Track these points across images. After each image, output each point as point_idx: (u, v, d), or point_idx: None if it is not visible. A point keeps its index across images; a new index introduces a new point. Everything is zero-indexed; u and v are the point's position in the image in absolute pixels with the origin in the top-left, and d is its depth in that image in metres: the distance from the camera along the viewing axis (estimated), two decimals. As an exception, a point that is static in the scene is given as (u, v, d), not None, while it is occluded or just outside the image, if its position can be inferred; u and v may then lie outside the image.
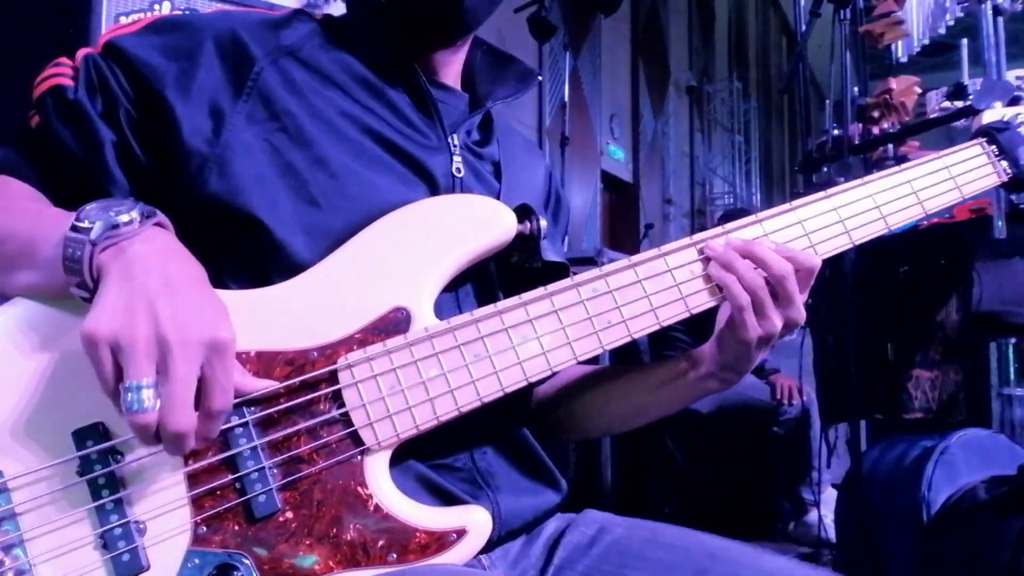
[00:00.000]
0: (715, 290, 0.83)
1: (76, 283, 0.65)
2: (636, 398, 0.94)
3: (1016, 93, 1.17)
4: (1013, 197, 2.16)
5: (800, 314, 0.83)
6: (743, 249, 0.82)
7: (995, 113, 1.06)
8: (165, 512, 0.68)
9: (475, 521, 0.74)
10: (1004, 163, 0.98)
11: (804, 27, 2.60)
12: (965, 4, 2.68)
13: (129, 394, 0.60)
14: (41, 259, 0.68)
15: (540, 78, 0.96)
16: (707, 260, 0.83)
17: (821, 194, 0.88)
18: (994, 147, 0.98)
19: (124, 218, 0.66)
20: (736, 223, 0.85)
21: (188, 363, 0.61)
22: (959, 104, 2.38)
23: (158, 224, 0.69)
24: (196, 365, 0.62)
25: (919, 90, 2.55)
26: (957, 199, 0.95)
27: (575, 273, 0.82)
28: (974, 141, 0.99)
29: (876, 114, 2.58)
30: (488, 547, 0.79)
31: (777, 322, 0.81)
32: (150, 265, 0.64)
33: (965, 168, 0.96)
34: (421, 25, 0.86)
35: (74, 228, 0.65)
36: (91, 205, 0.67)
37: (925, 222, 2.51)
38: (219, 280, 0.77)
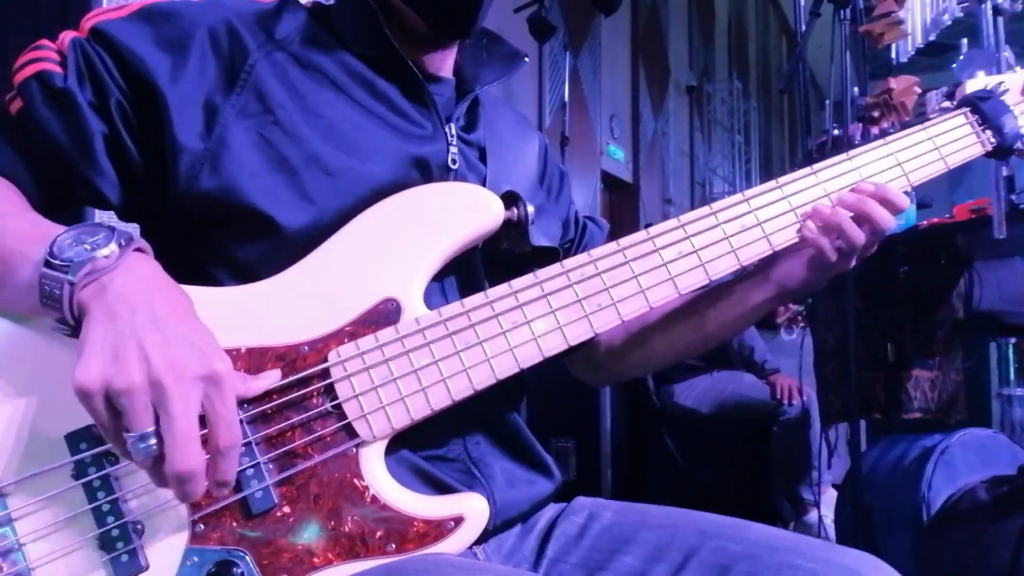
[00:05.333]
0: (703, 270, 0.83)
1: (56, 319, 0.63)
2: (704, 326, 0.97)
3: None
4: (1013, 197, 2.16)
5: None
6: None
7: (978, 82, 1.06)
8: (162, 511, 0.68)
9: (472, 509, 0.74)
10: (988, 132, 0.98)
11: (804, 27, 2.60)
12: (965, 4, 2.68)
13: (136, 444, 0.58)
14: (14, 282, 0.65)
15: (527, 59, 0.95)
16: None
17: (807, 169, 0.89)
18: (977, 117, 0.98)
19: (103, 252, 0.62)
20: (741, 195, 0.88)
21: (186, 402, 0.59)
22: (959, 104, 2.37)
23: (138, 249, 0.66)
24: (195, 402, 0.59)
25: (919, 90, 2.55)
26: (942, 169, 0.95)
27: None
28: (958, 111, 0.99)
29: (876, 114, 2.58)
30: (483, 538, 0.79)
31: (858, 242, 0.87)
32: (134, 302, 0.61)
33: (949, 139, 0.96)
34: (431, 25, 0.85)
35: (49, 264, 0.61)
36: (64, 235, 0.63)
37: (925, 222, 2.51)
38: (211, 276, 0.76)
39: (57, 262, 0.61)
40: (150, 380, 0.58)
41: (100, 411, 0.59)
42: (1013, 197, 2.16)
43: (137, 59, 0.75)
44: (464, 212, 0.80)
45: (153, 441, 0.58)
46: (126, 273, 0.63)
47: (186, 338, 0.61)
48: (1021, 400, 2.54)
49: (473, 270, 0.85)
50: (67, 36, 0.77)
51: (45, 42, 0.77)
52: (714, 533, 0.80)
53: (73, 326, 0.62)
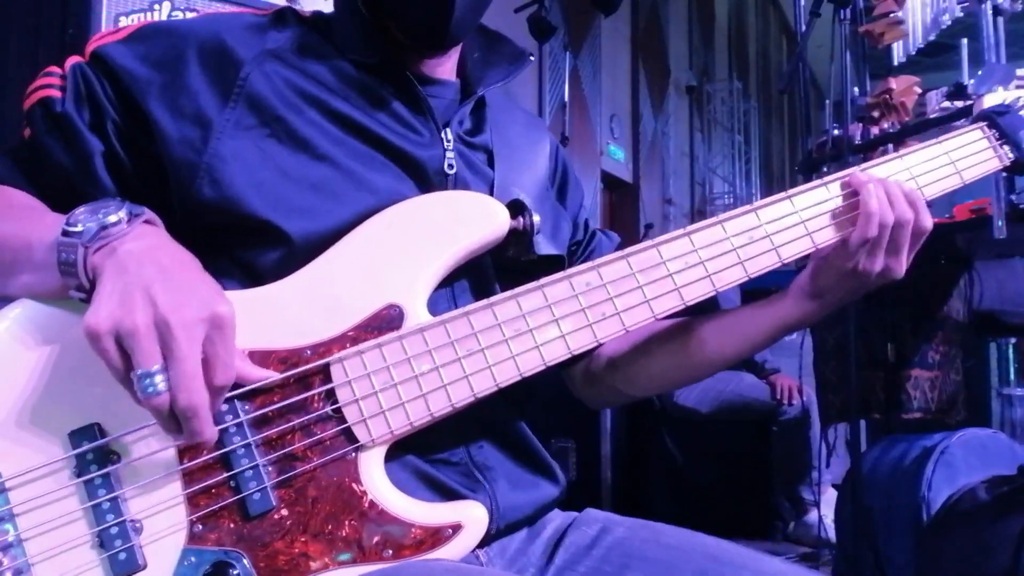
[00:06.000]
0: (710, 282, 0.82)
1: (74, 286, 0.66)
2: (714, 348, 0.94)
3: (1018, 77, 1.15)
4: (1013, 197, 2.16)
5: (901, 268, 0.86)
6: (882, 183, 0.85)
7: (996, 97, 1.05)
8: (161, 511, 0.68)
9: (471, 516, 0.74)
10: (1006, 147, 0.97)
11: (804, 27, 2.60)
12: (965, 4, 2.68)
13: (142, 381, 0.61)
14: (36, 262, 0.69)
15: (532, 58, 0.95)
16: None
17: (818, 182, 0.88)
18: (995, 131, 0.97)
19: (113, 218, 0.66)
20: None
21: (191, 341, 0.62)
22: (959, 104, 2.37)
23: (147, 221, 0.70)
24: (199, 342, 0.63)
25: (919, 90, 2.55)
26: (958, 184, 0.94)
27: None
28: (974, 125, 0.98)
29: (876, 114, 2.58)
30: (486, 541, 0.79)
31: (877, 266, 0.85)
32: (143, 259, 0.65)
33: (966, 153, 0.95)
34: (408, 37, 0.85)
35: (65, 232, 0.66)
36: (81, 208, 0.68)
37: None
38: (222, 284, 0.77)
39: (73, 229, 0.66)
40: (156, 321, 0.61)
41: (110, 351, 0.61)
42: (1013, 197, 2.15)
43: (129, 79, 0.78)
44: (470, 221, 0.80)
45: (159, 378, 0.61)
46: (136, 238, 0.67)
47: (190, 284, 0.65)
48: (1021, 400, 2.54)
49: (483, 277, 0.85)
50: (70, 62, 0.80)
51: (53, 69, 0.81)
52: (726, 560, 0.79)
53: (89, 290, 0.65)
